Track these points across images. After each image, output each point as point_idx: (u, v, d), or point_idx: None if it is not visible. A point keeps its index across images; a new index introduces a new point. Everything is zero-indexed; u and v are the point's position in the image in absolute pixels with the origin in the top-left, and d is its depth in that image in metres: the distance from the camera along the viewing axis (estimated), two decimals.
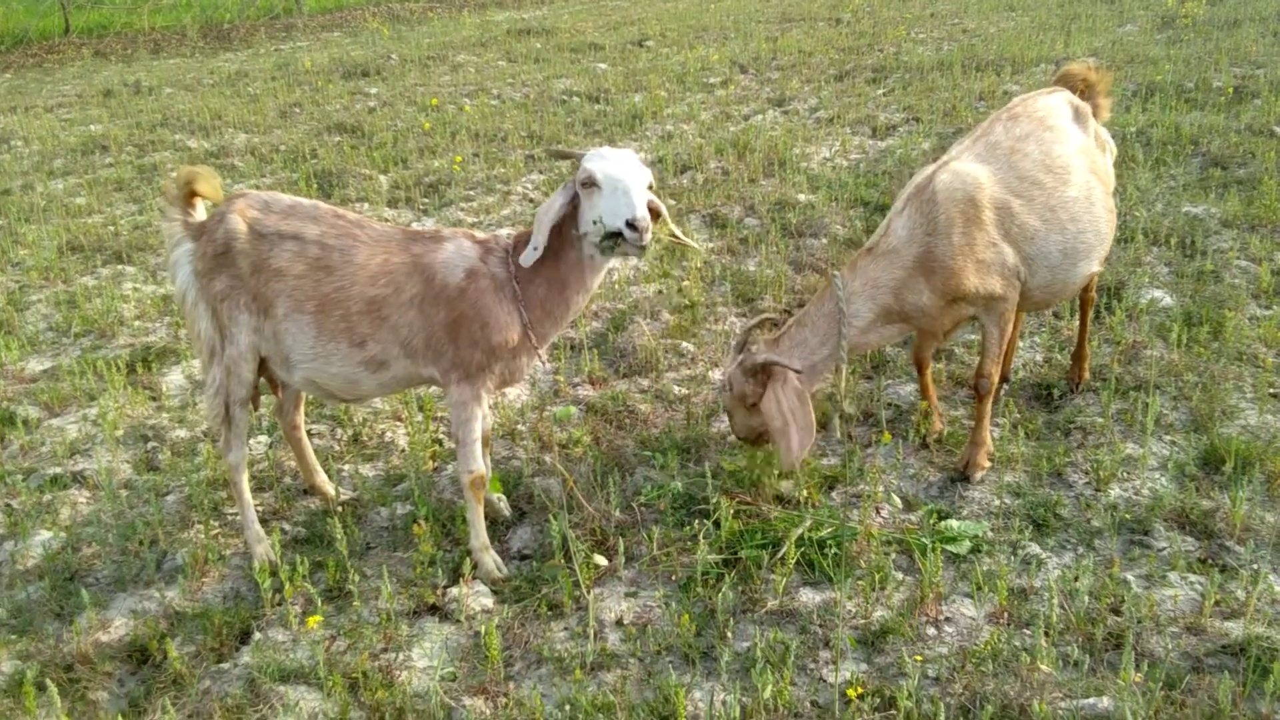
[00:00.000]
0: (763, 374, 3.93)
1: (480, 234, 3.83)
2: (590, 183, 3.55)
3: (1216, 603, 3.54)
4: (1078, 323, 4.86)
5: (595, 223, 3.58)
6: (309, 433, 5.07)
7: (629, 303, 6.38)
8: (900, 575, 3.79)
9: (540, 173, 9.59)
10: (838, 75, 12.55)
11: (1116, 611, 3.51)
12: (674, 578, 3.81)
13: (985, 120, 4.32)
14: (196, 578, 3.98)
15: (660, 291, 6.55)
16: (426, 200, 9.07)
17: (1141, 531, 3.96)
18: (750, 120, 10.95)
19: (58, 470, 4.87)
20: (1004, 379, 4.95)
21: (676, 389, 5.32)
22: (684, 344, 5.76)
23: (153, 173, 10.61)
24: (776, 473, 4.25)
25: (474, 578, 3.86)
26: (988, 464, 4.32)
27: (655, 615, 3.66)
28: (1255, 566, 3.69)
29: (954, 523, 3.98)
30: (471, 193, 9.17)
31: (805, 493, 4.15)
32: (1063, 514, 4.08)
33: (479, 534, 3.91)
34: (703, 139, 10.30)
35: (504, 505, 4.30)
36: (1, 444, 5.22)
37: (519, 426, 4.98)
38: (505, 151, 10.32)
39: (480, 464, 3.85)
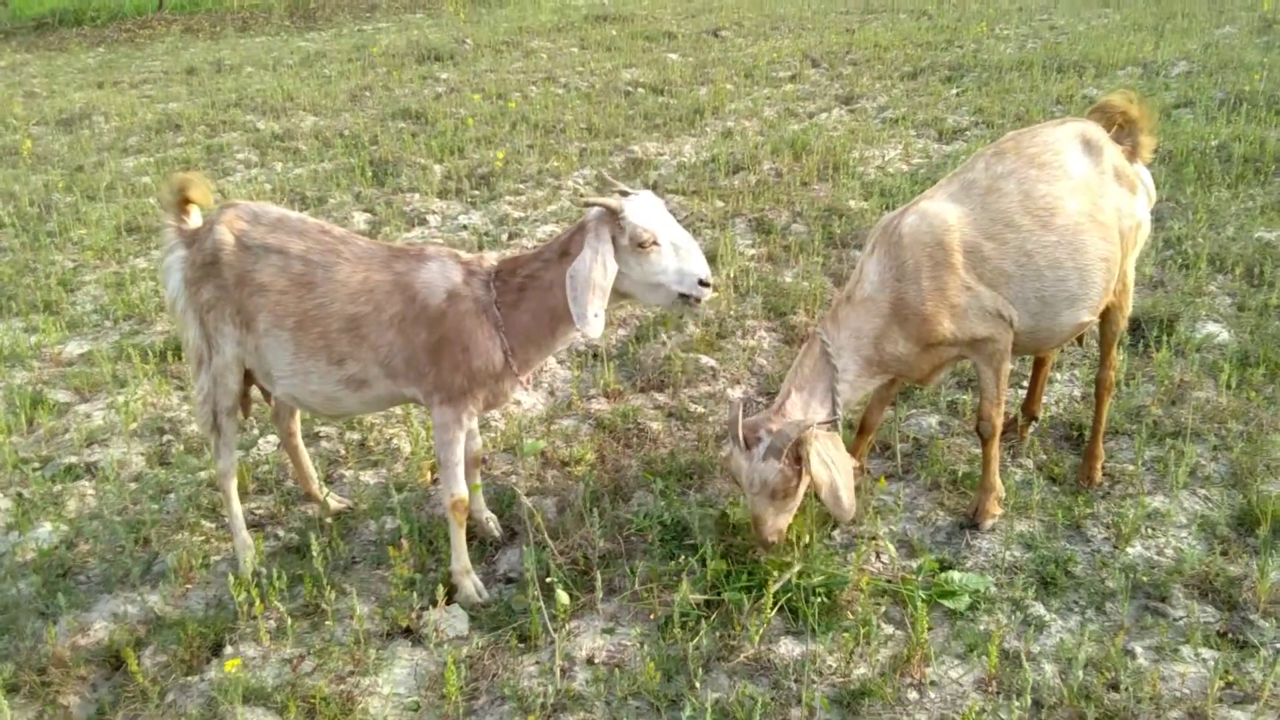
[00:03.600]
0: (796, 448, 3.53)
1: (465, 254, 3.72)
2: (648, 243, 3.42)
3: (1228, 684, 3.27)
4: (1093, 411, 4.41)
5: (656, 285, 3.49)
6: (316, 434, 5.07)
7: (658, 312, 6.23)
8: (889, 630, 3.60)
9: (592, 168, 9.46)
10: (911, 72, 12.14)
11: (1114, 688, 3.27)
12: (653, 616, 3.68)
13: (972, 155, 4.05)
14: (180, 583, 3.98)
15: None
16: (476, 192, 9.03)
17: (1158, 597, 3.69)
18: (814, 119, 10.66)
19: (73, 460, 4.94)
20: (1032, 418, 4.67)
21: (693, 406, 5.17)
22: (704, 359, 5.60)
23: (219, 154, 10.79)
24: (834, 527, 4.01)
25: (450, 601, 3.79)
26: (998, 511, 4.08)
27: (629, 655, 3.54)
28: (1278, 645, 3.41)
29: (955, 574, 3.76)
30: (522, 186, 9.10)
31: (805, 535, 3.97)
32: (1075, 572, 3.83)
33: (460, 557, 3.83)
34: (762, 137, 10.05)
35: (494, 525, 4.22)
36: (29, 428, 5.32)
37: (524, 440, 4.88)
38: (562, 144, 10.22)
39: (462, 487, 3.77)
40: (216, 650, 3.64)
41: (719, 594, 3.69)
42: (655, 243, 3.44)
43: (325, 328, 3.62)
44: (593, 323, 3.37)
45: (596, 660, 3.52)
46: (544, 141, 10.28)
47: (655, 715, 3.28)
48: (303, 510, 4.49)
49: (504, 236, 7.90)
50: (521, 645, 3.60)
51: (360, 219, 8.40)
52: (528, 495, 4.46)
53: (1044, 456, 4.57)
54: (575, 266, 3.41)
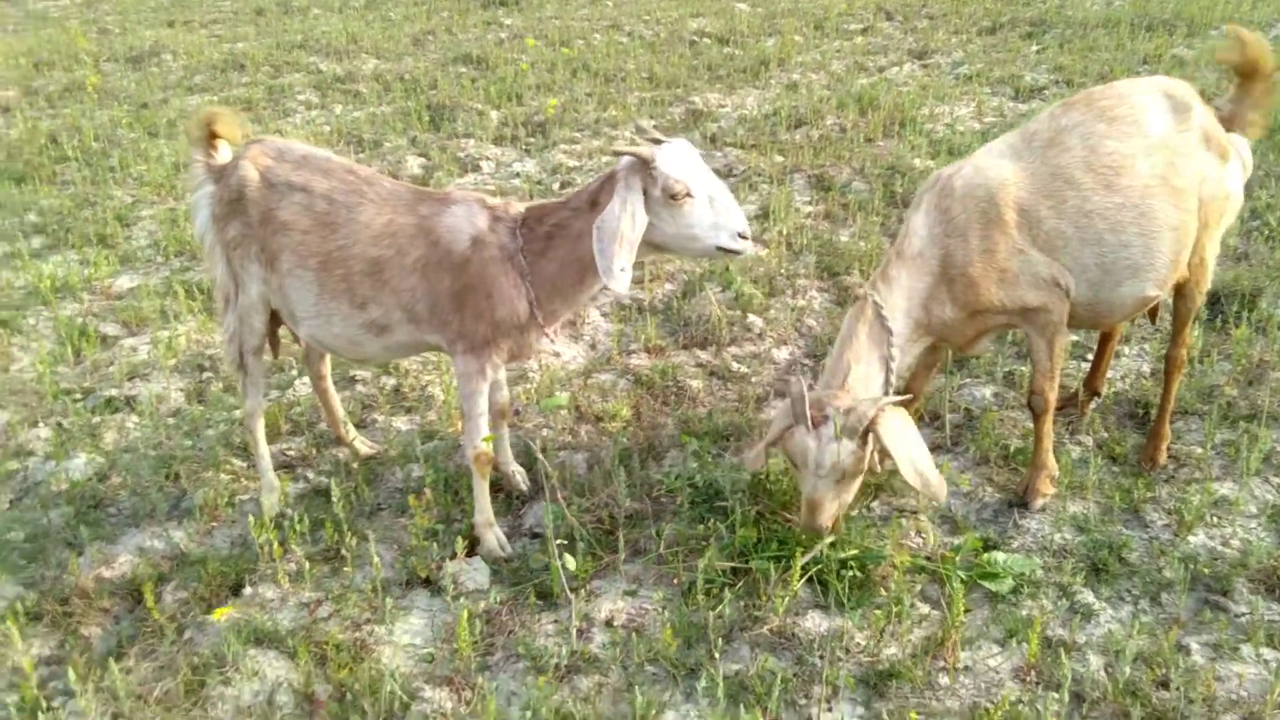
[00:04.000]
0: (869, 427, 3.29)
1: (491, 200, 3.57)
2: (681, 194, 3.25)
3: None
4: (1162, 389, 4.12)
5: (691, 237, 3.32)
6: (352, 378, 5.00)
7: (706, 266, 6.03)
8: (924, 609, 3.42)
9: (652, 118, 9.23)
10: (990, 27, 11.63)
11: (1164, 685, 3.06)
12: (676, 581, 3.55)
13: (1042, 110, 3.76)
14: (205, 521, 3.95)
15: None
16: (531, 140, 8.87)
17: (1219, 590, 3.45)
18: (884, 73, 10.26)
19: (114, 393, 4.95)
20: (1094, 394, 4.41)
21: (735, 366, 5.00)
22: (752, 317, 5.40)
23: (281, 95, 10.77)
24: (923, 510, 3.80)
25: (472, 554, 3.70)
26: (1050, 491, 3.85)
27: (650, 620, 3.42)
28: None
29: (999, 555, 3.56)
30: (578, 135, 8.91)
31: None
32: (1129, 559, 3.60)
33: (482, 509, 3.73)
34: (828, 91, 9.71)
35: (521, 479, 4.11)
36: (76, 360, 5.34)
37: (558, 392, 4.76)
38: (621, 94, 9.99)
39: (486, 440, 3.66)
40: (236, 590, 3.61)
41: (746, 562, 3.54)
42: (689, 194, 3.26)
43: (348, 270, 3.51)
44: (618, 278, 3.21)
45: (616, 623, 3.41)
46: (603, 90, 10.06)
47: (672, 683, 3.16)
48: (333, 453, 4.43)
49: (556, 185, 7.74)
50: (541, 603, 3.50)
51: (414, 164, 8.30)
52: (560, 450, 4.35)
53: (1105, 434, 4.32)
54: (602, 218, 3.24)
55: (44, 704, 2.97)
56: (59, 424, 4.66)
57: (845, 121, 8.63)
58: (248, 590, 3.57)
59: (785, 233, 6.38)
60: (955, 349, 3.88)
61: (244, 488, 4.19)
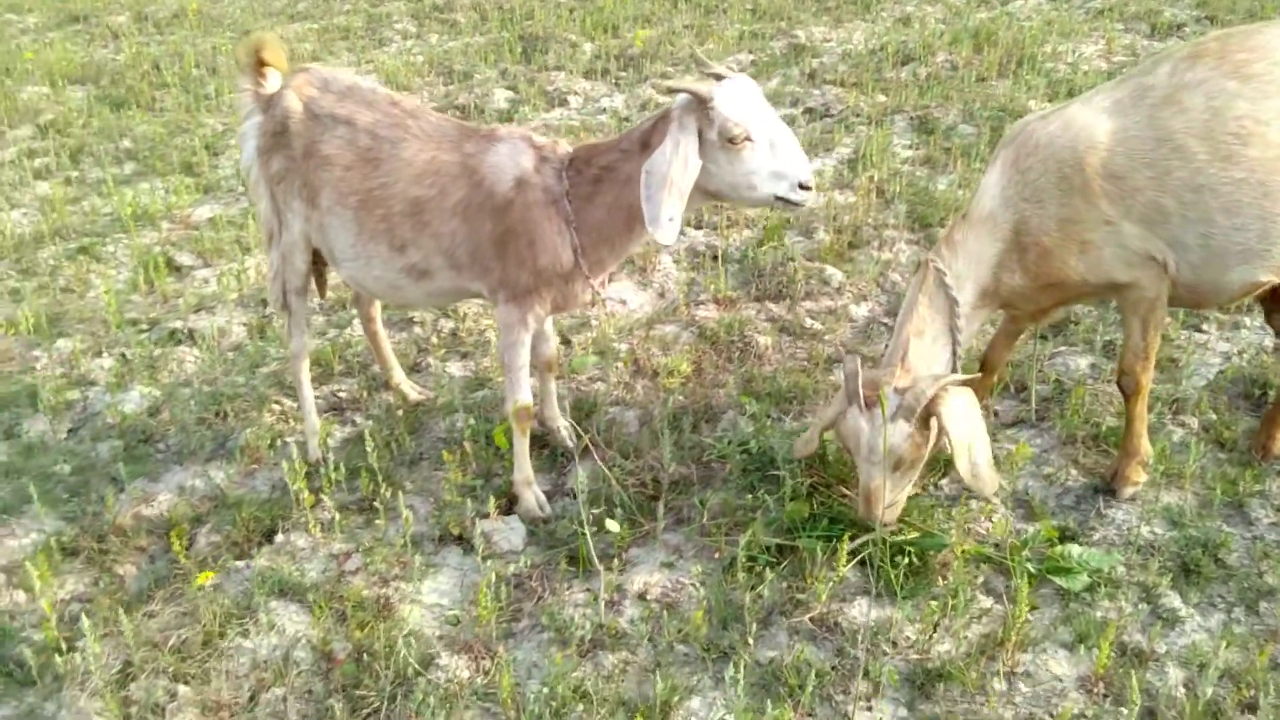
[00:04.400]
0: (928, 410, 3.01)
1: (539, 139, 3.33)
2: (739, 138, 2.95)
3: None
4: None
5: (748, 185, 3.03)
6: (410, 319, 4.88)
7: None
8: (986, 603, 3.12)
9: (750, 53, 8.79)
10: None
11: (1251, 709, 2.71)
12: (718, 555, 3.33)
13: (1161, 54, 3.28)
14: (246, 463, 3.90)
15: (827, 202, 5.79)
16: (623, 74, 8.55)
17: None
18: (1006, 6, 9.55)
19: (178, 325, 4.94)
20: None
21: (809, 322, 4.69)
22: (830, 269, 5.06)
23: (379, 23, 10.68)
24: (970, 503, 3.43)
25: (510, 513, 3.55)
26: (1142, 478, 3.47)
27: (685, 595, 3.21)
28: None
29: (1075, 549, 3.22)
30: (671, 69, 8.55)
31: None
32: (1227, 560, 3.22)
33: (522, 467, 3.57)
34: (943, 25, 9.09)
35: (568, 435, 3.92)
36: (150, 290, 5.36)
37: (616, 344, 4.54)
38: (722, 26, 9.56)
39: (526, 393, 3.48)
40: (269, 536, 3.54)
41: (794, 539, 3.29)
42: (748, 138, 2.96)
43: (388, 210, 3.34)
44: (666, 227, 2.94)
45: (649, 596, 3.22)
46: (703, 22, 9.63)
47: (702, 666, 2.96)
48: (384, 398, 4.32)
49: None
50: (573, 569, 3.33)
51: (501, 96, 8.10)
52: (612, 405, 4.14)
53: (1212, 415, 3.88)
54: (652, 160, 2.97)
55: (63, 646, 2.95)
56: (122, 355, 4.68)
57: (957, 59, 8.05)
58: (279, 538, 3.50)
59: (877, 178, 5.97)
60: (1028, 319, 3.51)
61: (290, 429, 4.13)
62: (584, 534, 3.23)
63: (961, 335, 3.16)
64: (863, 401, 2.99)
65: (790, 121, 7.22)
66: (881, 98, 7.50)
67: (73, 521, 3.61)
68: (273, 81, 3.67)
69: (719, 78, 3.07)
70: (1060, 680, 2.86)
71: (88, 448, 4.02)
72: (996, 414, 4.03)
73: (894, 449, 2.96)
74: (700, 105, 2.98)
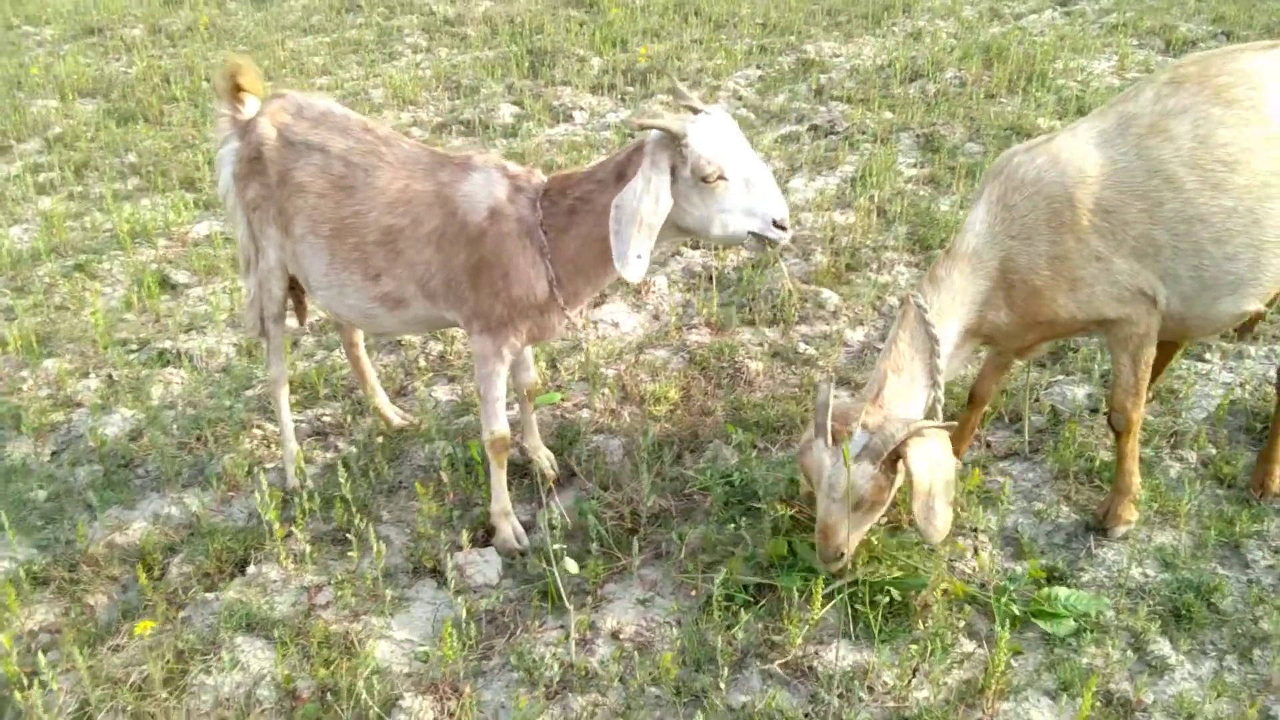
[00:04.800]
0: (895, 452, 2.89)
1: (514, 167, 3.27)
2: (712, 176, 2.87)
3: None
4: (1275, 403, 3.54)
5: (721, 223, 2.95)
6: (398, 341, 4.83)
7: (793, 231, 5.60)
8: (969, 647, 3.03)
9: (758, 68, 8.72)
10: None
11: None
12: (694, 593, 3.25)
13: (1141, 81, 3.19)
14: (223, 490, 3.85)
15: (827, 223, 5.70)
16: (630, 89, 8.50)
17: None
18: (1020, 20, 9.44)
19: (168, 344, 4.91)
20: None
21: (803, 347, 4.61)
22: (826, 292, 4.98)
23: (390, 37, 10.68)
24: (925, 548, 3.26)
25: (478, 545, 3.49)
26: (1134, 517, 3.36)
27: (660, 635, 3.13)
28: None
29: (1063, 591, 3.11)
30: (679, 84, 8.49)
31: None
32: (1220, 605, 3.11)
33: (499, 498, 3.50)
34: (954, 40, 9.00)
35: (549, 464, 3.85)
36: (142, 309, 5.34)
37: (604, 370, 4.47)
38: (731, 40, 9.50)
39: (502, 423, 3.42)
40: (242, 567, 3.49)
41: (773, 577, 3.20)
42: (722, 176, 2.88)
43: (361, 238, 3.29)
44: (633, 264, 2.88)
45: (622, 635, 3.14)
46: (712, 37, 9.58)
47: (672, 711, 2.88)
48: (369, 422, 4.27)
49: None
50: (546, 605, 3.26)
51: (507, 111, 8.07)
52: (597, 434, 4.07)
53: (1212, 450, 3.77)
54: (622, 196, 2.89)
55: (24, 681, 2.90)
56: (109, 376, 4.65)
57: (966, 75, 7.95)
58: (251, 569, 3.44)
59: (878, 198, 5.88)
60: (1013, 354, 3.41)
61: (271, 455, 4.08)
62: (551, 574, 3.16)
63: (941, 375, 3.06)
64: (829, 436, 2.90)
65: (794, 139, 7.16)
66: (888, 114, 7.41)
67: (45, 549, 3.58)
68: (250, 106, 3.63)
69: (695, 111, 3.00)
70: None
71: (66, 472, 3.99)
72: (989, 445, 3.93)
73: (855, 488, 2.87)
74: (674, 141, 2.91)
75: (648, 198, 2.86)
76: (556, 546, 3.17)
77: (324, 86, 9.00)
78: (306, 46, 10.55)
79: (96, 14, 12.07)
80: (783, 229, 2.94)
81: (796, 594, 3.07)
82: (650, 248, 2.91)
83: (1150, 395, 3.99)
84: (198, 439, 4.14)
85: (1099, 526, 3.40)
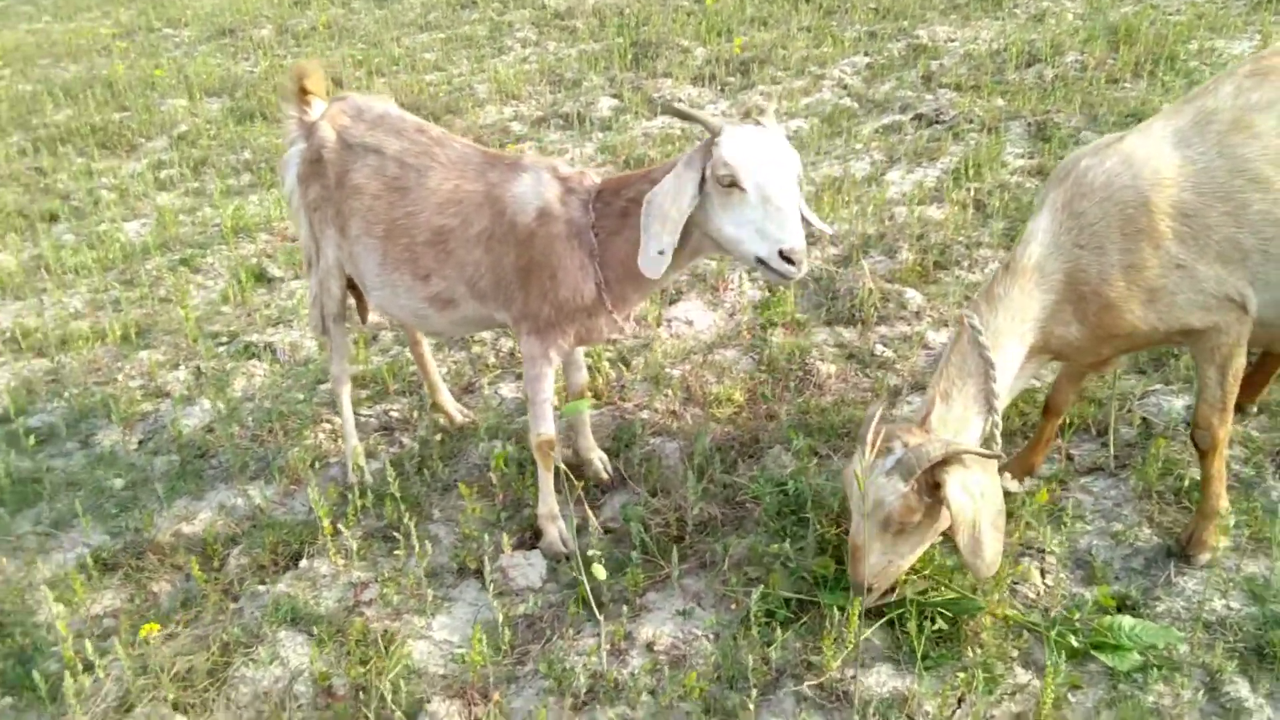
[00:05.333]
0: (935, 472, 2.71)
1: (565, 168, 3.20)
2: (732, 184, 2.75)
3: None
4: None
5: (733, 238, 2.83)
6: (470, 339, 4.86)
7: (883, 227, 5.38)
8: (1023, 677, 2.82)
9: (866, 54, 8.44)
10: None
11: None
12: (734, 606, 3.13)
13: (1220, 74, 2.88)
14: (285, 483, 3.94)
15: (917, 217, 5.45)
16: (731, 80, 8.35)
17: None
18: None
19: (255, 338, 5.07)
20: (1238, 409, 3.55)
21: (880, 349, 4.41)
22: (910, 292, 4.75)
23: (501, 32, 10.81)
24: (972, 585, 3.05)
25: (526, 547, 3.46)
26: (1220, 543, 3.07)
27: (697, 648, 3.03)
28: None
29: (1127, 621, 2.86)
30: (781, 74, 8.30)
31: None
32: None
33: (546, 500, 3.46)
34: (1080, 21, 8.49)
35: (604, 467, 3.79)
36: (238, 302, 5.53)
37: (669, 370, 4.38)
38: (841, 27, 9.22)
39: (550, 426, 3.38)
40: (296, 560, 3.55)
41: (815, 595, 3.06)
42: (736, 184, 2.73)
43: (412, 239, 3.30)
44: (653, 260, 2.81)
45: (657, 647, 3.05)
46: (822, 24, 9.32)
47: None
48: (435, 418, 4.30)
49: None
50: (586, 611, 3.20)
51: (605, 104, 8.04)
52: (655, 436, 3.99)
53: None
54: (655, 190, 2.81)
55: (79, 666, 3.02)
56: (198, 368, 4.83)
57: (1089, 58, 7.48)
58: (304, 563, 3.50)
59: (977, 191, 5.58)
60: (1087, 368, 3.16)
61: (335, 450, 4.15)
62: (581, 582, 3.10)
63: (999, 400, 2.85)
64: (868, 448, 2.74)
65: (897, 129, 6.88)
66: (1000, 102, 7.05)
67: (117, 536, 3.73)
68: (316, 109, 3.68)
69: (757, 123, 2.86)
70: None
71: (145, 461, 4.15)
72: (1072, 458, 3.67)
73: (882, 504, 2.70)
74: (709, 141, 2.80)
75: (676, 190, 2.79)
76: (592, 553, 3.11)
77: (433, 82, 9.16)
78: (421, 43, 10.78)
79: (230, 15, 12.63)
80: (791, 262, 2.75)
81: (837, 613, 2.92)
82: (672, 244, 2.82)
83: (1255, 409, 3.66)
84: (269, 432, 4.26)
85: (1181, 552, 3.12)
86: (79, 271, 5.93)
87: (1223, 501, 3.04)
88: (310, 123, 3.64)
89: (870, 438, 2.75)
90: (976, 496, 2.65)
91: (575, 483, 3.49)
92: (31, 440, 4.23)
